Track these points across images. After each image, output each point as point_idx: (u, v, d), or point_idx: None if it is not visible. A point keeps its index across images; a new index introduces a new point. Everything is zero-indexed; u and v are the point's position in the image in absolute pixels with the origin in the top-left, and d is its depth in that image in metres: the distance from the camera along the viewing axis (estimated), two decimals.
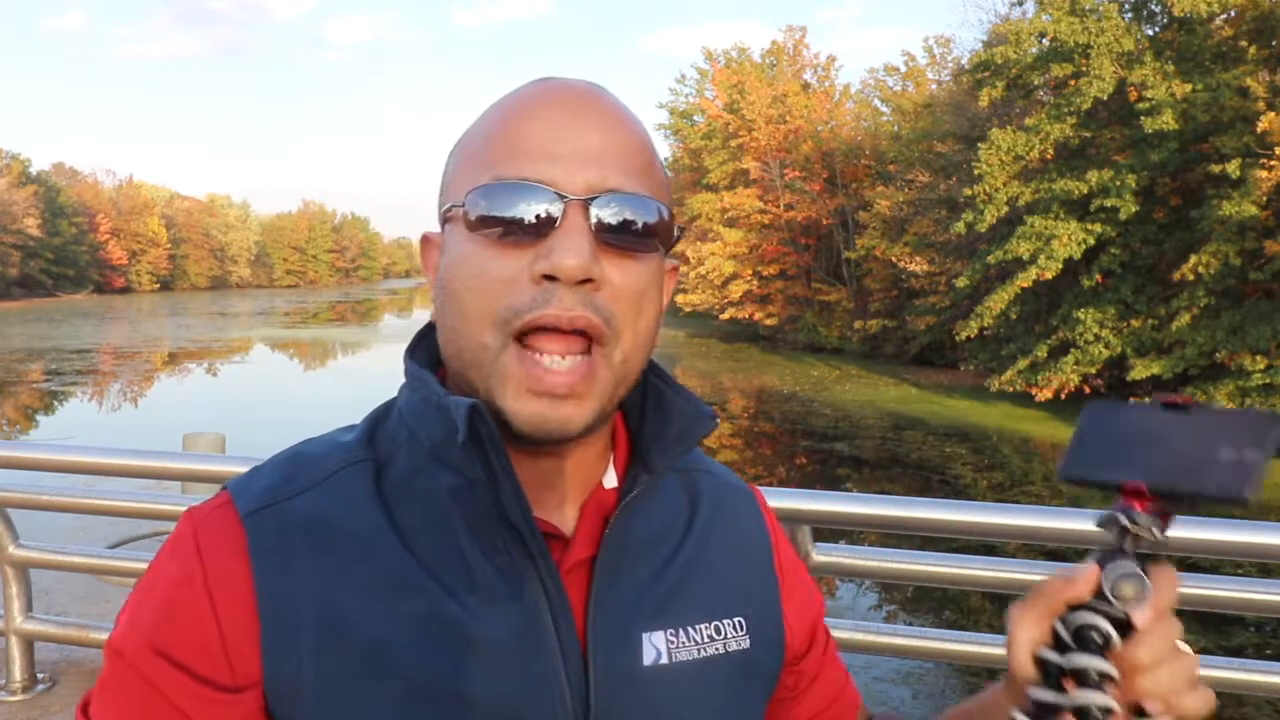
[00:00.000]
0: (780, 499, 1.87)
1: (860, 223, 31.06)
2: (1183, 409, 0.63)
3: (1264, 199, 16.44)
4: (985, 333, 21.42)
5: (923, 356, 27.37)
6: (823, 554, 1.84)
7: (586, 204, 0.65)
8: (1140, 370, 18.15)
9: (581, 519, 0.72)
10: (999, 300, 20.45)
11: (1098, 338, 19.49)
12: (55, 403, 22.50)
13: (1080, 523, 1.54)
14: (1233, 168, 16.56)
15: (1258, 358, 16.34)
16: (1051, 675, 0.60)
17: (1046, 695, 0.59)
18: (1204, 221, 17.41)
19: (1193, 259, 17.20)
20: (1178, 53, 18.91)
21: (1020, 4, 22.59)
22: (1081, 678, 0.59)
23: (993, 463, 15.78)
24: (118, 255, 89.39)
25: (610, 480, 0.75)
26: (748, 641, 0.76)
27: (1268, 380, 16.00)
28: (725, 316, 36.58)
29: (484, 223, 0.66)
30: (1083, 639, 0.60)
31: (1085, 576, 0.62)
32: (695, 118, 42.02)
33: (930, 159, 28.14)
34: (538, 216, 0.65)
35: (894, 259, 27.95)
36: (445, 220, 0.71)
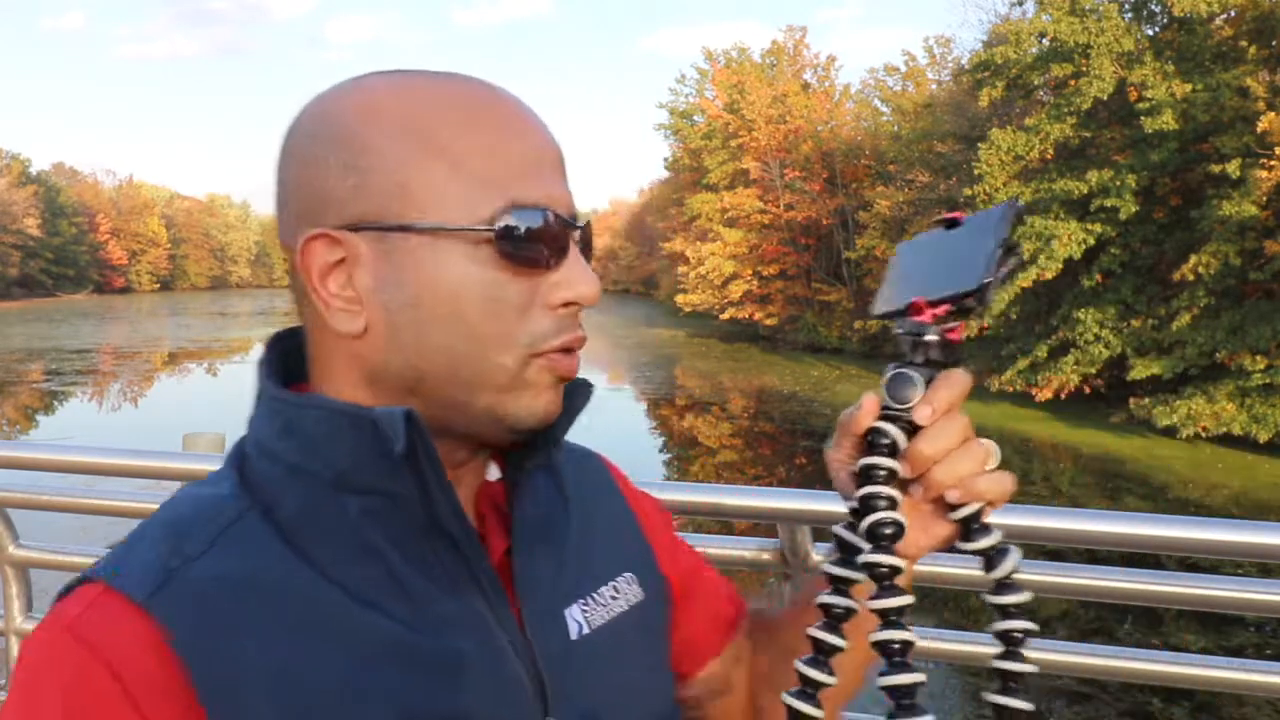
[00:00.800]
0: (780, 499, 1.87)
1: (860, 223, 31.06)
2: (953, 224, 0.68)
3: (1264, 199, 16.43)
4: (985, 333, 21.41)
5: None
6: (823, 554, 1.84)
7: (579, 228, 0.68)
8: (1140, 370, 18.15)
9: (484, 514, 0.74)
10: (999, 300, 20.43)
11: (1098, 338, 19.49)
12: (55, 403, 22.52)
13: (1080, 522, 1.53)
14: (1233, 168, 16.55)
15: (1258, 358, 16.33)
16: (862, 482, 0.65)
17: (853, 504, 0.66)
18: (1204, 221, 17.40)
19: (1193, 259, 17.19)
20: (1178, 53, 18.91)
21: (1020, 4, 22.59)
22: (868, 475, 0.65)
23: None
24: (118, 255, 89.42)
25: (493, 474, 0.75)
26: (641, 593, 0.80)
27: (1268, 380, 15.99)
28: (725, 316, 36.57)
29: (504, 248, 0.64)
30: (873, 445, 0.66)
31: (871, 398, 0.67)
32: (695, 118, 42.00)
33: (930, 159, 28.14)
34: (551, 243, 0.66)
35: None
36: (416, 231, 0.64)
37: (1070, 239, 19.39)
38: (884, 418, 0.65)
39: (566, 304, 0.67)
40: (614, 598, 0.78)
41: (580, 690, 0.71)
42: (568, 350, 0.68)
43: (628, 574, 0.80)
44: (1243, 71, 17.70)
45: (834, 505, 1.65)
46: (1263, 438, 15.59)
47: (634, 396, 24.50)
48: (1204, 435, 16.23)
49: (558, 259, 0.66)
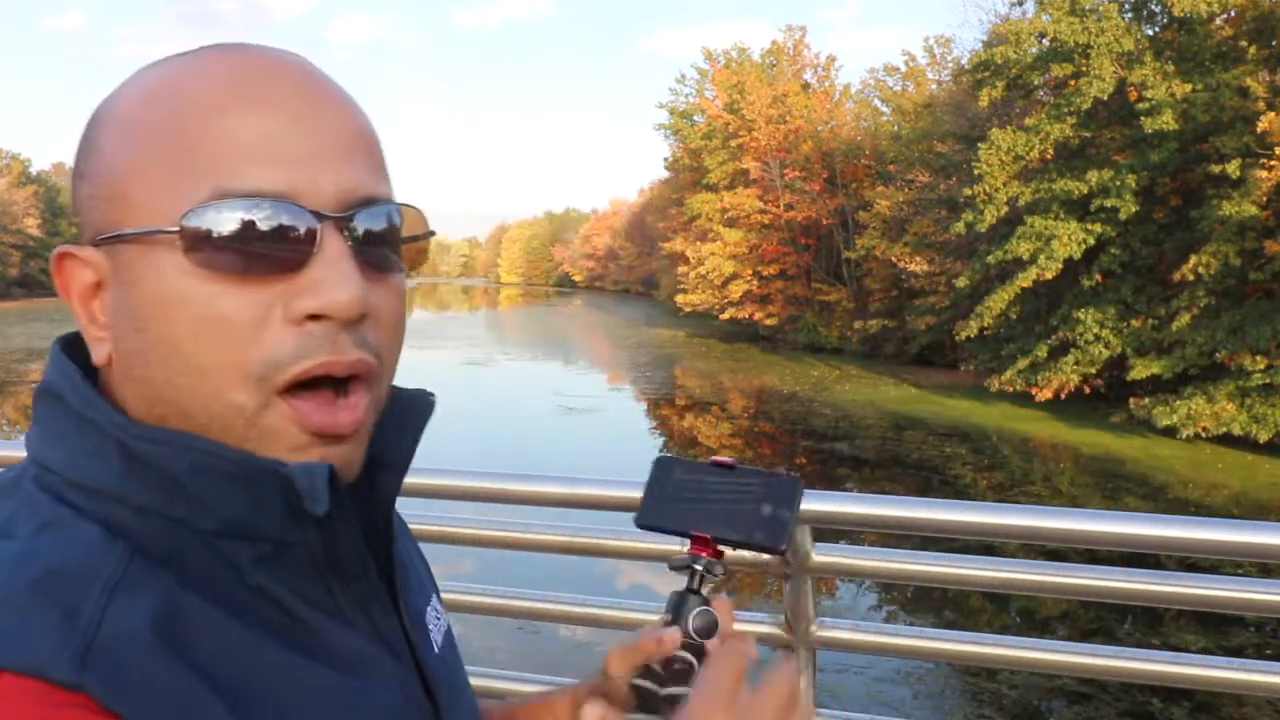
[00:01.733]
0: None
1: (860, 223, 31.05)
2: (729, 469, 0.78)
3: (1264, 199, 16.43)
4: (985, 333, 21.41)
5: (923, 356, 27.36)
6: (822, 554, 1.84)
7: (344, 220, 0.55)
8: (1140, 370, 18.15)
9: None
10: (999, 300, 20.45)
11: (1098, 338, 19.48)
12: None
13: (1080, 522, 1.53)
14: (1233, 168, 16.55)
15: (1258, 358, 16.33)
16: (647, 701, 0.74)
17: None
18: (1204, 221, 17.40)
19: (1193, 259, 17.19)
20: (1178, 53, 18.91)
21: (1020, 4, 22.60)
22: (676, 701, 0.72)
23: (993, 463, 15.77)
24: None
25: None
26: (444, 610, 0.77)
27: (1268, 380, 15.98)
28: (725, 316, 36.57)
29: (214, 252, 0.52)
30: (675, 673, 0.74)
31: (673, 633, 0.74)
32: (695, 118, 41.99)
33: (930, 159, 28.14)
34: (288, 241, 0.53)
35: (894, 259, 27.93)
36: (128, 241, 0.54)
37: (1070, 239, 19.39)
38: (685, 647, 0.74)
39: (314, 317, 0.54)
40: (439, 616, 0.74)
41: (452, 705, 0.68)
42: (321, 383, 0.54)
43: (434, 595, 0.75)
44: (1243, 71, 17.70)
45: (834, 505, 1.65)
46: (1263, 438, 15.59)
47: (634, 396, 24.49)
48: (1204, 435, 16.23)
49: (303, 260, 0.53)
